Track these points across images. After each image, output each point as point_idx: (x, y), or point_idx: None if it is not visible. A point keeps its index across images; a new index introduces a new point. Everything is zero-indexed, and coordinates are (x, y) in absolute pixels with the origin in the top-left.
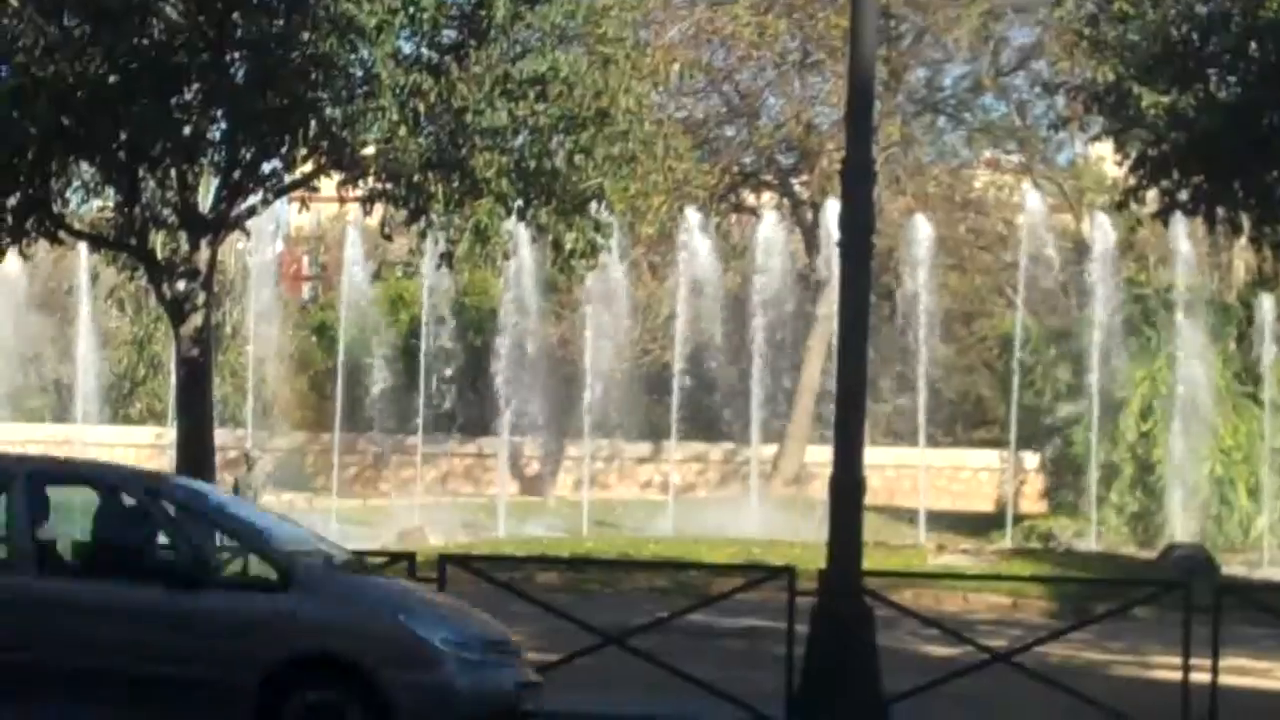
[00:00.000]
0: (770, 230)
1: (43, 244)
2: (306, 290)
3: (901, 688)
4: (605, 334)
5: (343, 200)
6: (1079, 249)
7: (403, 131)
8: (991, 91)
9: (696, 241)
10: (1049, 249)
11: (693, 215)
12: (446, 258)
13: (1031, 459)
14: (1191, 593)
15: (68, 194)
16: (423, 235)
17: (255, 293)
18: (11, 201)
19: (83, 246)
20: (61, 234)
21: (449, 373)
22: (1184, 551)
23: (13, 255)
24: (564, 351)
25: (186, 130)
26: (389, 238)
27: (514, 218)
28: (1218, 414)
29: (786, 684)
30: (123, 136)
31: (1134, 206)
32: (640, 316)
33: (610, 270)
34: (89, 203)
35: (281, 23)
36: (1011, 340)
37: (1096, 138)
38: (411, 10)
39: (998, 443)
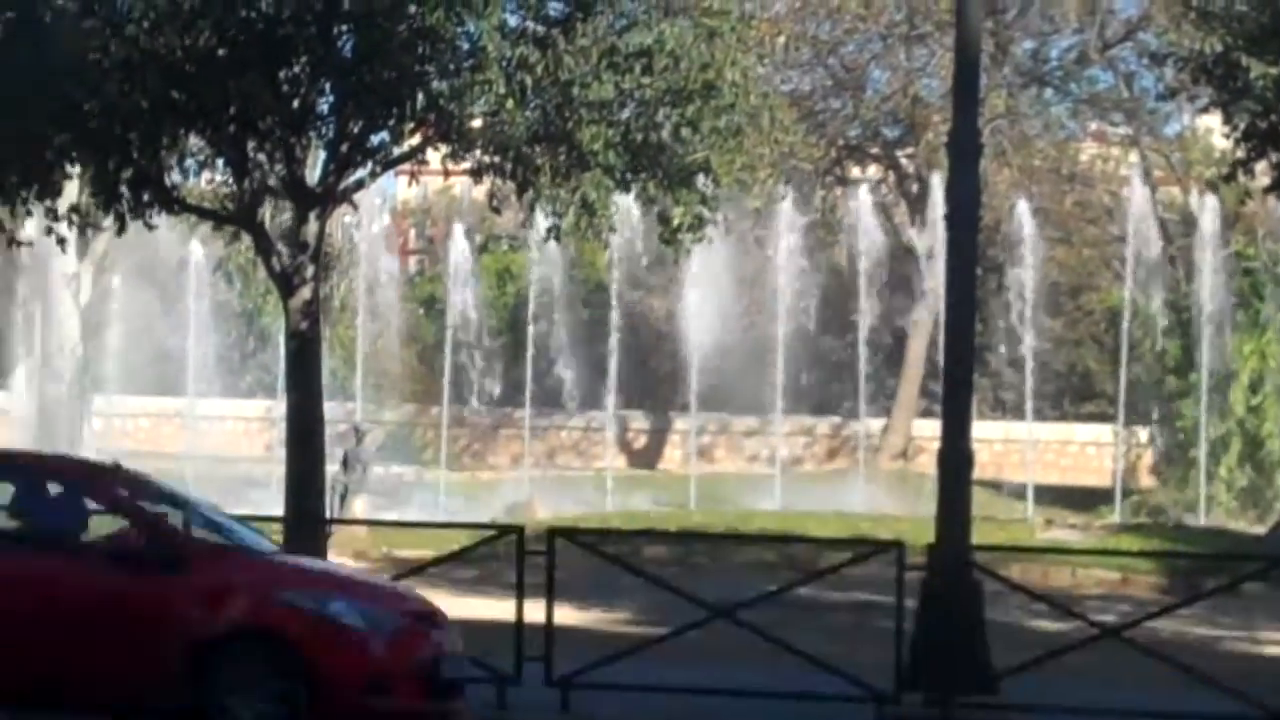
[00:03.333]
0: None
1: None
2: (413, 263)
3: (1010, 662)
4: (711, 308)
5: (449, 173)
6: (1186, 222)
7: (510, 104)
8: (1098, 63)
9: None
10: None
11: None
12: (554, 230)
13: (1141, 433)
14: None
15: (179, 167)
16: (531, 208)
17: (364, 265)
18: (126, 175)
19: (192, 220)
20: (175, 208)
21: (556, 346)
22: None
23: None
24: (670, 325)
25: (294, 103)
26: (497, 211)
27: (621, 191)
28: None
29: (895, 658)
30: (232, 110)
31: (1242, 179)
32: (746, 289)
33: (716, 244)
34: (198, 176)
35: None
36: (1120, 313)
37: (1204, 109)
38: None
39: (1106, 417)
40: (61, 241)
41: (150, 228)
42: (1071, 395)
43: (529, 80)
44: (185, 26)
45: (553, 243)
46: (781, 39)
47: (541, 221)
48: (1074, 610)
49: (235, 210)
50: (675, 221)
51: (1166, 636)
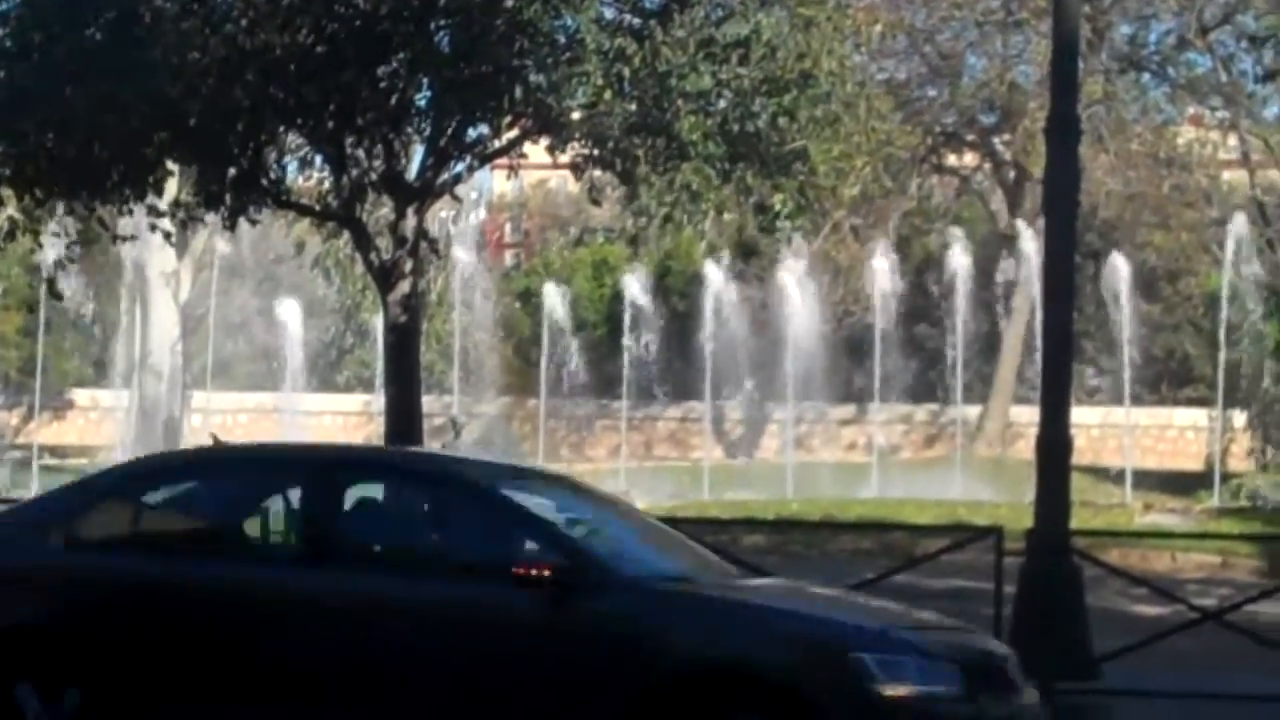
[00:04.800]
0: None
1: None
2: (509, 257)
3: (1111, 646)
4: (808, 297)
5: (555, 165)
6: None
7: (608, 96)
8: (1196, 47)
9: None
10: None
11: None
12: (664, 219)
13: (1239, 417)
14: None
15: (279, 164)
16: (631, 199)
17: (460, 260)
18: (226, 172)
19: (291, 216)
20: (276, 204)
21: (653, 337)
22: None
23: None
24: (766, 315)
25: (393, 99)
26: (597, 202)
27: (721, 180)
28: None
29: None
30: (330, 106)
31: None
32: (843, 279)
33: (812, 234)
34: (299, 173)
35: None
36: (1218, 297)
37: None
38: None
39: (1205, 401)
40: (168, 236)
41: (252, 223)
42: (1170, 380)
43: (627, 72)
44: (284, 24)
45: (649, 234)
46: (877, 28)
47: (643, 210)
48: (1174, 594)
49: (334, 206)
50: (774, 209)
51: (1267, 620)
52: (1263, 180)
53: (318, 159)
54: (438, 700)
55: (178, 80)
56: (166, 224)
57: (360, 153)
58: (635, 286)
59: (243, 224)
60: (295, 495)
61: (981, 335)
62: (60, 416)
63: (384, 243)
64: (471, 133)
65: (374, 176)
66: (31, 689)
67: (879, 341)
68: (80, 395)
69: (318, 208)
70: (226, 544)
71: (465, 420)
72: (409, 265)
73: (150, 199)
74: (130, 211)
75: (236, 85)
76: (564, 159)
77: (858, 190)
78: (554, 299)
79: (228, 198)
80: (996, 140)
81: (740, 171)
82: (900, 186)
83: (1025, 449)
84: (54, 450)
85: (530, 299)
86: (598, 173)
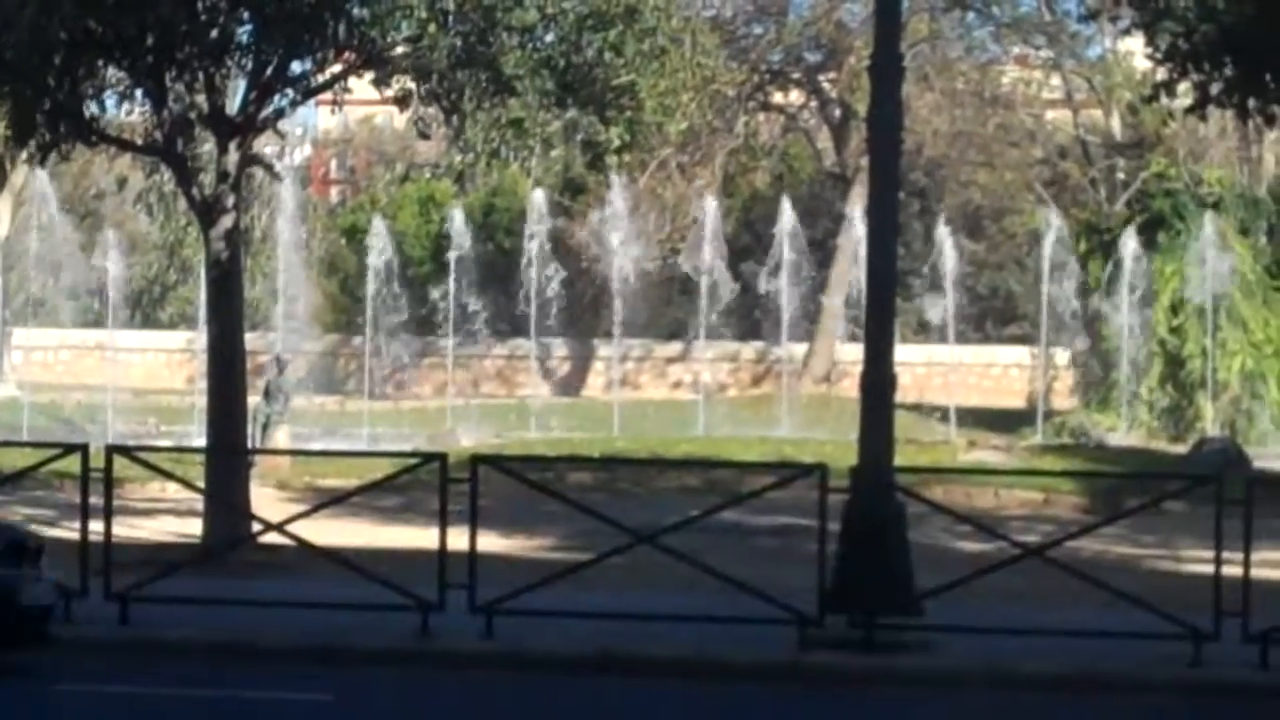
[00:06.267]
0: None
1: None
2: (335, 193)
3: (934, 583)
4: (634, 234)
5: (383, 100)
6: (1108, 144)
7: (432, 29)
8: None
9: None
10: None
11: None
12: (490, 154)
13: (1062, 355)
14: (1223, 486)
15: (98, 99)
16: (458, 135)
17: (284, 195)
18: (43, 107)
19: (112, 152)
20: (93, 139)
21: (479, 274)
22: (1215, 445)
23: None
24: (593, 252)
25: (213, 32)
26: (425, 136)
27: (549, 113)
28: (1247, 308)
29: (819, 581)
30: (150, 40)
31: (1164, 100)
32: (669, 216)
33: (638, 171)
34: (118, 108)
35: None
36: (1041, 236)
37: (1126, 31)
38: None
39: (1028, 339)
40: None
41: (65, 159)
42: (994, 318)
43: (451, 5)
44: None
45: (475, 170)
46: None
47: (469, 145)
48: (997, 531)
49: (154, 141)
50: (602, 145)
51: (1088, 556)
52: (1085, 120)
53: (138, 93)
54: None
55: None
56: None
57: (181, 87)
58: (460, 223)
59: (78, 159)
60: None
61: (808, 273)
62: None
63: (206, 178)
64: (295, 67)
65: (195, 112)
66: None
67: (705, 279)
68: None
69: (139, 142)
70: None
71: (290, 358)
72: (231, 201)
73: None
74: None
75: (54, 18)
76: (389, 93)
77: (684, 126)
78: (379, 235)
79: (42, 132)
80: (822, 78)
81: (569, 106)
82: (727, 124)
83: (852, 387)
84: None
85: (356, 235)
86: (424, 108)
